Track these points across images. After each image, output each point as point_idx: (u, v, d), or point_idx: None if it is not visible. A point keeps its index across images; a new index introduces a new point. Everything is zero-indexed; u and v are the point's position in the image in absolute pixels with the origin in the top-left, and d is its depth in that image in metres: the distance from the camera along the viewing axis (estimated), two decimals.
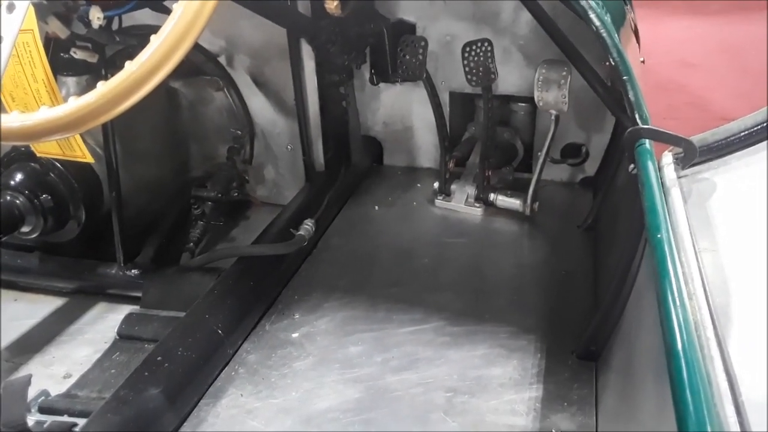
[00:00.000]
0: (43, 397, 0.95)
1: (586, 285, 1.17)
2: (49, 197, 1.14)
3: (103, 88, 0.61)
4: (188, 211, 1.37)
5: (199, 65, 1.39)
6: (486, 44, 1.27)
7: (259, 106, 1.43)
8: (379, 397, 0.93)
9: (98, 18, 0.82)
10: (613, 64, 0.77)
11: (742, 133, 0.73)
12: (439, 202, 1.47)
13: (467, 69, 1.29)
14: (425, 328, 1.07)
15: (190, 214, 1.36)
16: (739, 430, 0.42)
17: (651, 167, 0.69)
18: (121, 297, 1.21)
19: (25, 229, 1.13)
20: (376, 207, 1.48)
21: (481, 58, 1.27)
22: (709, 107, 2.55)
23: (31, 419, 0.91)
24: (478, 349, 1.01)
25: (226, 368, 0.99)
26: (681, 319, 0.49)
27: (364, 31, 1.34)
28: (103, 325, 1.17)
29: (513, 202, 1.41)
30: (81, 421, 0.86)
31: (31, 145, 1.06)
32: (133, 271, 1.21)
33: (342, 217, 1.44)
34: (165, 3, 0.98)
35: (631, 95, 0.76)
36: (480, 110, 1.53)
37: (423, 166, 1.65)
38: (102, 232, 1.21)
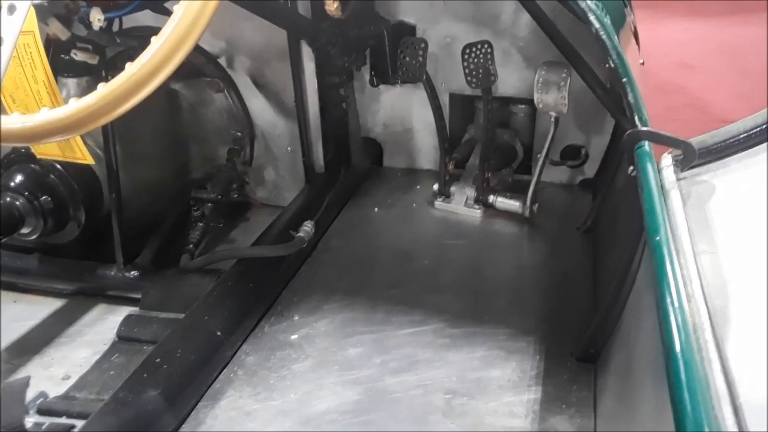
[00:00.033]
0: (41, 399, 0.96)
1: (586, 287, 1.17)
2: (49, 199, 1.14)
3: (103, 89, 0.61)
4: (188, 212, 1.36)
5: (199, 67, 1.38)
6: (486, 46, 1.27)
7: (259, 107, 1.43)
8: (378, 399, 0.93)
9: (99, 19, 0.82)
10: (612, 66, 0.77)
11: (742, 135, 0.73)
12: (438, 203, 1.47)
13: (467, 71, 1.29)
14: (424, 330, 1.07)
15: (189, 216, 1.36)
16: (737, 431, 0.42)
17: (650, 169, 0.69)
18: (121, 298, 1.21)
19: (24, 230, 1.13)
20: (376, 208, 1.48)
21: (481, 60, 1.28)
22: (709, 109, 2.55)
23: (30, 421, 0.91)
24: (477, 350, 1.01)
25: (225, 370, 0.99)
26: (679, 321, 0.49)
27: (364, 33, 1.34)
28: (102, 326, 1.17)
29: (512, 204, 1.41)
30: (80, 423, 0.86)
31: (31, 147, 1.06)
32: (132, 272, 1.20)
33: (342, 218, 1.45)
34: (166, 4, 0.98)
35: (630, 97, 0.76)
36: (480, 112, 1.52)
37: (423, 167, 1.66)
38: (102, 233, 1.21)
